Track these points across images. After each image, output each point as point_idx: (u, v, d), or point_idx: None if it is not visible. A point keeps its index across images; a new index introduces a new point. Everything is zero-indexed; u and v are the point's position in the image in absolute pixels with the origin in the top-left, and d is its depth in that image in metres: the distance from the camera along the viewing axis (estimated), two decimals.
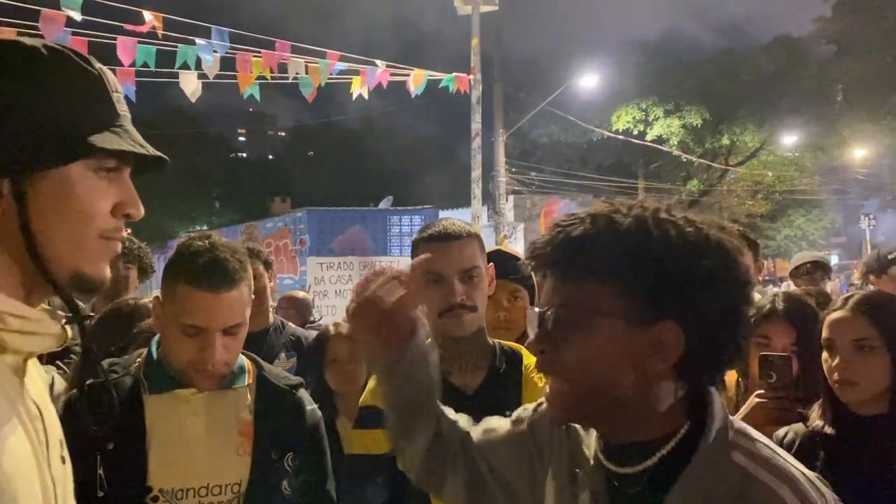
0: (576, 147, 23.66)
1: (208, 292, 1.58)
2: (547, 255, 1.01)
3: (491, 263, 1.88)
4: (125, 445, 1.60)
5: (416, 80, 9.25)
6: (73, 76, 0.95)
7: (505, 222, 16.21)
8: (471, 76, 12.39)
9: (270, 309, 3.56)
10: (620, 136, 21.00)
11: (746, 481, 0.93)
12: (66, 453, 1.04)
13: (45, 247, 0.93)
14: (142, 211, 1.02)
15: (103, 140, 0.94)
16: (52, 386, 2.54)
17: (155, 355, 1.71)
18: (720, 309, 0.96)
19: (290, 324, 3.61)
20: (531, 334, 1.07)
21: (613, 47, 25.34)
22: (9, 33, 5.42)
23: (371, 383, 1.86)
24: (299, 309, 4.64)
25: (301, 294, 5.16)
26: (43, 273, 0.94)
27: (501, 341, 1.91)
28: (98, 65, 0.99)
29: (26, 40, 0.96)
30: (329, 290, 11.04)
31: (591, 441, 1.10)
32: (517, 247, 15.90)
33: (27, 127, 0.90)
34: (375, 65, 8.47)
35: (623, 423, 1.01)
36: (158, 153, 1.03)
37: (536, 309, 1.06)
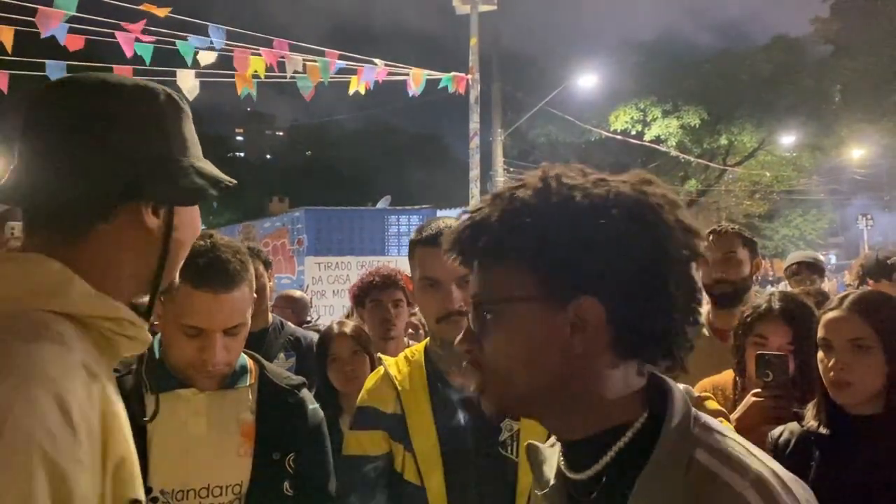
0: (574, 147, 23.65)
1: (209, 293, 1.57)
2: (457, 244, 0.95)
3: None
4: None
5: (416, 79, 9.24)
6: (182, 115, 1.11)
7: None
8: (469, 76, 12.39)
9: (269, 308, 3.56)
10: (618, 136, 20.99)
11: (709, 481, 0.83)
12: None
13: (171, 264, 1.09)
14: (198, 233, 1.21)
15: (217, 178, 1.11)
16: None
17: (157, 354, 1.69)
18: (639, 272, 0.85)
19: (290, 324, 3.61)
20: None
21: (612, 47, 25.37)
22: (6, 31, 5.40)
23: (368, 383, 1.85)
24: (296, 308, 4.63)
25: (297, 293, 5.14)
26: (155, 285, 1.08)
27: None
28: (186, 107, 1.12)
29: (162, 89, 1.10)
30: (327, 290, 11.04)
31: (553, 459, 1.03)
32: None
33: (183, 171, 1.07)
34: (374, 64, 8.47)
35: (567, 415, 0.93)
36: (229, 181, 1.15)
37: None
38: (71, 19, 5.60)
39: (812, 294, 3.28)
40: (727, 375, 2.43)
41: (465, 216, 0.95)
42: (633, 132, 21.46)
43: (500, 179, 16.21)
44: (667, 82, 21.67)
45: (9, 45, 5.40)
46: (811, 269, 4.89)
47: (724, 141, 23.21)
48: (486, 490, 1.68)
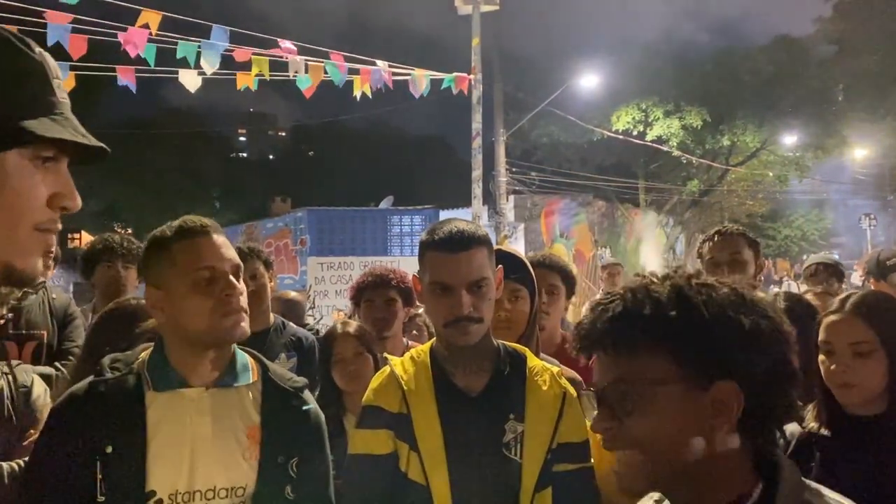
0: (576, 147, 23.60)
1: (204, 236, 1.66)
2: (593, 334, 1.04)
3: (500, 266, 1.85)
4: (125, 447, 1.56)
5: (419, 80, 9.24)
6: (10, 60, 0.91)
7: (505, 222, 16.20)
8: (471, 76, 12.38)
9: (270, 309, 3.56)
10: (620, 137, 20.96)
11: None
12: None
13: None
14: (79, 203, 0.97)
15: (41, 127, 0.89)
16: (29, 390, 2.53)
17: (161, 352, 1.68)
18: (770, 362, 0.99)
19: (291, 324, 3.61)
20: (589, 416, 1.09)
21: (613, 47, 25.30)
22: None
23: (374, 382, 1.84)
24: (292, 309, 4.60)
25: (293, 294, 5.10)
26: None
27: (505, 343, 1.88)
28: (39, 49, 0.94)
29: None
30: (329, 290, 11.05)
31: None
32: (518, 246, 15.88)
33: None
34: (377, 65, 8.47)
35: (696, 488, 1.02)
36: (100, 144, 0.97)
37: (591, 390, 1.12)
38: (74, 21, 5.61)
39: (832, 295, 3.28)
40: None
41: (599, 307, 1.05)
42: (636, 132, 21.42)
43: (503, 180, 16.20)
44: (668, 83, 21.63)
45: None
46: (830, 270, 4.85)
47: (726, 141, 23.16)
48: (490, 491, 1.68)
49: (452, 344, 1.76)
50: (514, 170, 19.38)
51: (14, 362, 2.67)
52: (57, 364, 2.94)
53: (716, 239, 2.89)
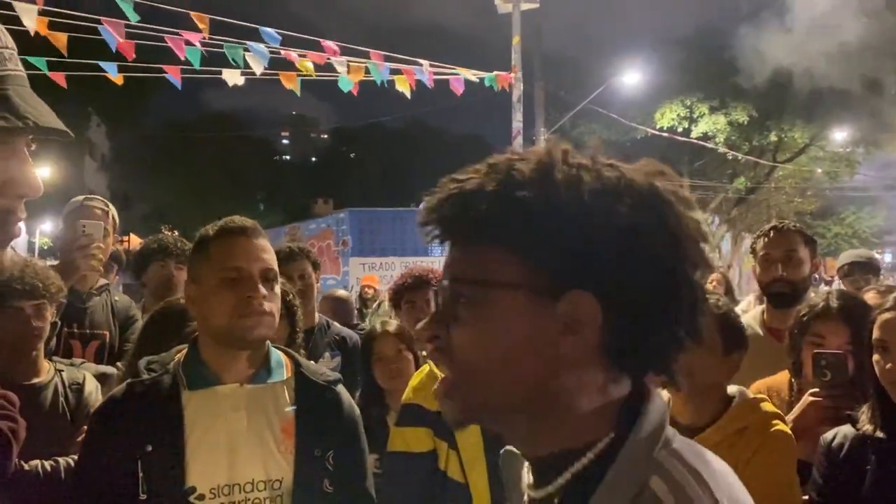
0: (619, 145, 23.34)
1: (241, 236, 1.69)
2: (439, 216, 0.81)
3: None
4: (164, 446, 1.59)
5: (460, 79, 9.23)
6: None
7: None
8: (512, 74, 12.35)
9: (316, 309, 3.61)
10: (665, 134, 20.67)
11: None
12: None
13: None
14: (36, 188, 0.86)
15: None
16: (81, 387, 2.61)
17: (195, 351, 1.72)
18: (651, 273, 0.75)
19: (336, 323, 3.65)
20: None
21: (656, 43, 24.94)
22: (60, 36, 5.60)
23: (413, 381, 1.85)
24: (341, 309, 4.67)
25: (342, 293, 5.18)
26: None
27: None
28: None
29: None
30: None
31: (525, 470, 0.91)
32: None
33: None
34: (419, 64, 8.50)
35: (535, 428, 0.81)
36: (57, 125, 0.85)
37: None
38: (129, 25, 5.81)
39: (882, 292, 3.19)
40: (782, 377, 2.38)
41: (453, 182, 0.82)
42: (680, 129, 21.11)
43: None
44: (713, 78, 21.26)
45: (64, 49, 5.65)
46: (865, 268, 4.68)
47: (773, 137, 22.66)
48: None
49: None
50: None
51: (77, 361, 2.76)
52: (118, 364, 3.02)
53: (771, 235, 2.82)
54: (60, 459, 2.39)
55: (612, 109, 18.63)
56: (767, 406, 1.95)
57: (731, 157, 22.24)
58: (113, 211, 3.30)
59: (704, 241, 0.80)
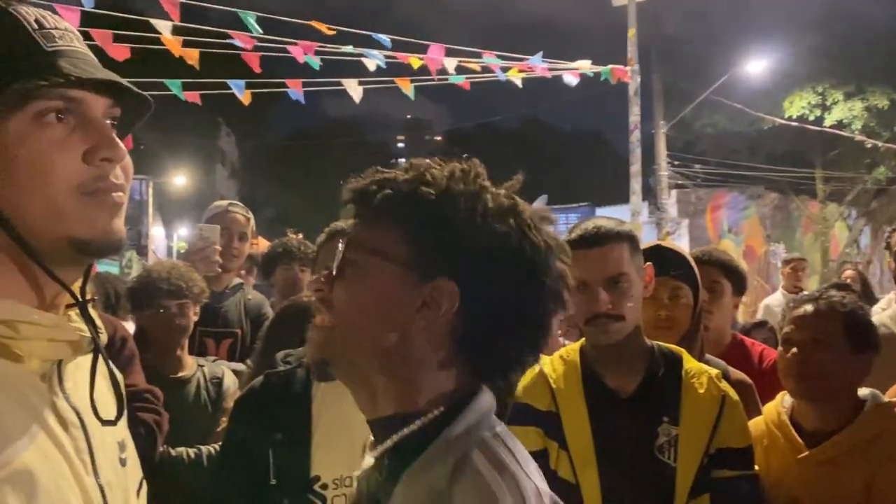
0: (744, 136, 22.21)
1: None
2: (357, 194, 0.97)
3: (648, 263, 1.80)
4: (293, 435, 1.67)
5: (576, 74, 9.09)
6: None
7: (667, 218, 15.58)
8: (628, 67, 12.04)
9: None
10: (794, 123, 19.49)
11: (470, 474, 0.85)
12: (127, 454, 0.98)
13: (23, 226, 0.82)
14: (119, 152, 0.87)
15: (14, 82, 0.80)
16: (221, 381, 2.77)
17: None
18: (509, 282, 0.90)
19: None
20: None
21: (781, 29, 23.63)
22: (193, 52, 5.96)
23: (523, 380, 1.86)
24: None
25: None
26: (33, 257, 0.83)
27: (660, 343, 1.84)
28: (14, 6, 0.87)
29: None
30: None
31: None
32: (681, 244, 15.22)
33: None
34: (530, 60, 8.45)
35: (382, 386, 0.94)
36: (109, 76, 0.86)
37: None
38: (252, 37, 6.10)
39: None
40: None
41: (378, 172, 0.98)
42: (811, 118, 19.85)
43: (664, 174, 15.61)
44: (847, 62, 19.84)
45: (196, 64, 5.97)
46: None
47: None
48: (642, 494, 1.66)
49: (594, 342, 1.75)
50: (675, 163, 18.61)
51: (210, 358, 2.94)
52: (247, 361, 3.19)
53: None
54: (203, 448, 2.56)
55: (735, 99, 17.79)
56: None
57: (869, 146, 20.69)
58: (250, 216, 3.49)
59: (557, 282, 0.94)
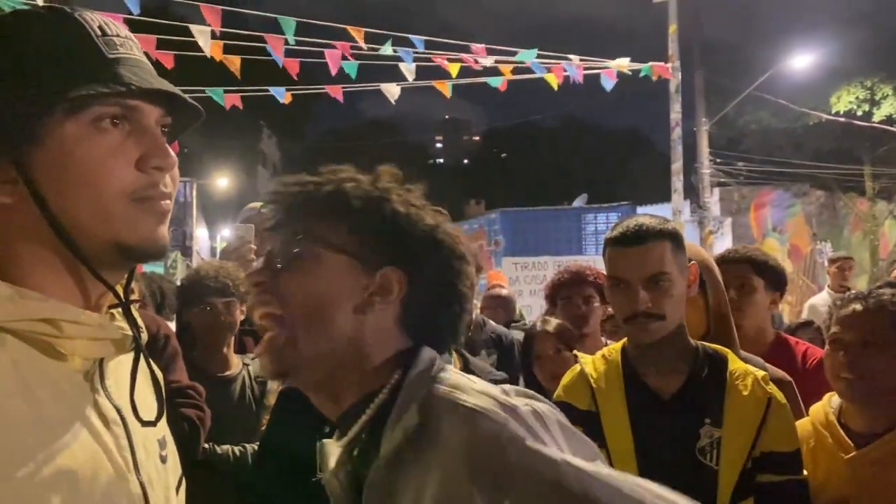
0: (789, 133, 21.72)
1: None
2: (290, 192, 1.01)
3: (693, 262, 1.78)
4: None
5: (615, 72, 8.99)
6: (44, 36, 0.85)
7: (710, 217, 15.32)
8: (669, 64, 11.89)
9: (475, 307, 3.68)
10: (841, 119, 19.00)
11: (443, 398, 0.91)
12: (167, 452, 0.99)
13: (72, 228, 0.84)
14: (171, 161, 0.89)
15: (76, 86, 0.82)
16: (265, 381, 2.80)
17: None
18: (440, 267, 1.00)
19: (491, 322, 3.70)
20: None
21: (827, 23, 23.06)
22: (235, 60, 6.06)
23: (564, 379, 1.86)
24: (504, 306, 4.84)
25: (505, 291, 5.30)
26: (80, 258, 0.85)
27: (705, 343, 1.81)
28: (80, 12, 0.89)
29: None
30: (524, 290, 11.11)
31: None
32: (725, 242, 14.95)
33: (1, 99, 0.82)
34: (568, 59, 8.40)
35: (341, 377, 0.97)
36: (164, 86, 0.88)
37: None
38: (287, 43, 6.18)
39: None
40: None
41: (311, 176, 1.03)
42: (860, 113, 19.34)
43: (706, 171, 15.36)
44: None
45: (237, 72, 6.08)
46: None
47: None
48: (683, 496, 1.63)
49: (635, 341, 1.74)
50: (718, 161, 18.30)
51: (249, 356, 3.00)
52: None
53: None
54: (248, 446, 2.60)
55: (780, 95, 17.41)
56: None
57: None
58: None
59: (469, 265, 1.04)
